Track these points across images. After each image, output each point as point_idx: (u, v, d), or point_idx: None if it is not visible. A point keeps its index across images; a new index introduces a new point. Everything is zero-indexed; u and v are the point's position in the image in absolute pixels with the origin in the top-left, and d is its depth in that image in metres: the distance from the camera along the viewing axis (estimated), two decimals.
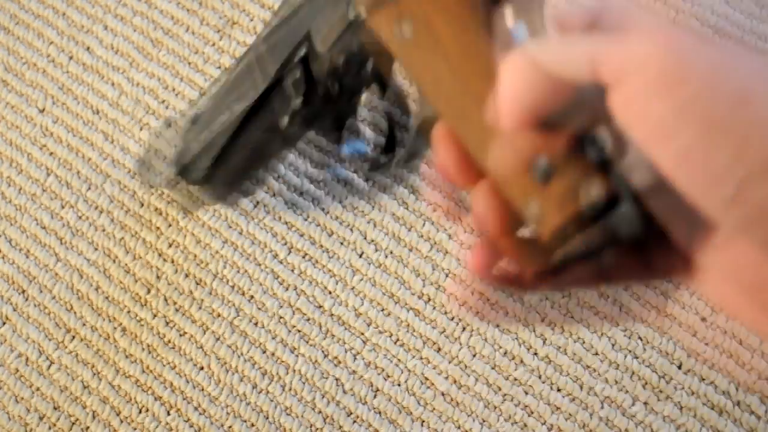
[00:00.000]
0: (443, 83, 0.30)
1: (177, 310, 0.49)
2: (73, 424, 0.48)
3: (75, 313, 0.50)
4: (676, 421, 0.45)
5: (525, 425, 0.45)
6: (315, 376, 0.47)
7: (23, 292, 0.51)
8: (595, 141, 0.26)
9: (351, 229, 0.50)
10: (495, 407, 0.46)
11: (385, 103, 0.51)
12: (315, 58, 0.46)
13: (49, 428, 0.48)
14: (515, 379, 0.46)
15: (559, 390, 0.46)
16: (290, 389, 0.47)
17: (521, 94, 0.27)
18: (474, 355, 0.47)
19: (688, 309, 0.47)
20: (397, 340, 0.47)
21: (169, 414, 0.47)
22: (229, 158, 0.48)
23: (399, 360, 0.47)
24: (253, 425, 0.47)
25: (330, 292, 0.49)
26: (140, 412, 0.48)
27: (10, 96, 0.55)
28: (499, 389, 0.46)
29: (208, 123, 0.48)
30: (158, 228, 0.51)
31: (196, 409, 0.47)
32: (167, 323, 0.49)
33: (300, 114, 0.47)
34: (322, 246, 0.49)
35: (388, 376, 0.47)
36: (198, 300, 0.49)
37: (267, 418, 0.47)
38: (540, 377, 0.46)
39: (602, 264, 0.28)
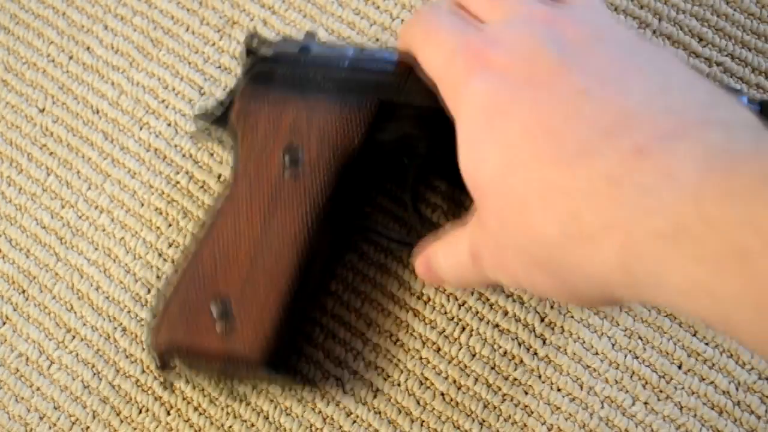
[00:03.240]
0: None
1: None
2: (73, 424, 0.48)
3: (75, 312, 0.50)
4: (676, 421, 0.45)
5: (525, 425, 0.45)
6: (315, 376, 0.47)
7: (23, 291, 0.51)
8: None
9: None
10: (495, 407, 0.46)
11: None
12: None
13: (49, 428, 0.48)
14: (515, 379, 0.46)
15: (559, 390, 0.46)
16: (290, 389, 0.47)
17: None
18: (474, 356, 0.47)
19: None
20: (397, 340, 0.48)
21: (169, 414, 0.47)
22: None
23: (399, 360, 0.47)
24: (253, 425, 0.47)
25: (331, 293, 0.49)
26: (140, 412, 0.48)
27: (10, 96, 0.55)
28: (499, 389, 0.46)
29: None
30: (158, 228, 0.51)
31: (196, 409, 0.47)
32: None
33: None
34: None
35: (388, 377, 0.47)
36: None
37: (267, 418, 0.47)
38: (540, 377, 0.46)
39: None
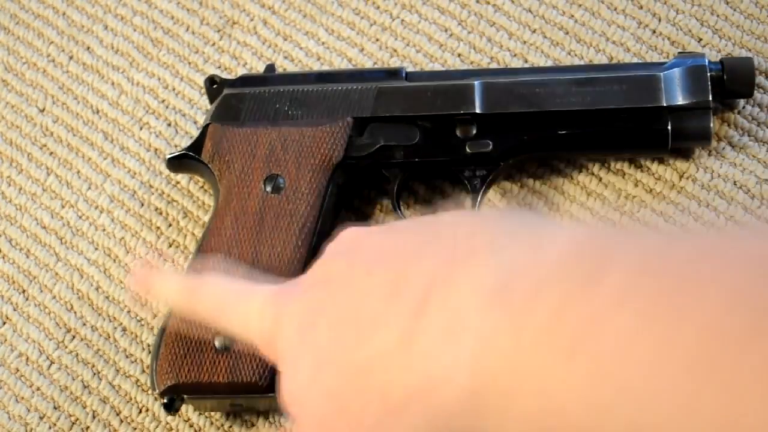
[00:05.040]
0: None
1: None
2: (73, 423, 0.48)
3: (75, 312, 0.50)
4: None
5: None
6: None
7: (23, 291, 0.51)
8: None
9: None
10: None
11: None
12: None
13: (49, 428, 0.48)
14: None
15: None
16: None
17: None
18: None
19: None
20: None
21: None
22: None
23: None
24: (253, 425, 0.47)
25: None
26: (140, 412, 0.48)
27: (10, 96, 0.55)
28: None
29: None
30: (158, 228, 0.51)
31: (196, 409, 0.47)
32: None
33: None
34: None
35: None
36: None
37: (267, 418, 0.47)
38: None
39: None
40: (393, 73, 0.48)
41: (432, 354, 0.27)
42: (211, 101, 0.49)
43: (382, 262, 0.31)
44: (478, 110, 0.46)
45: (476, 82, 0.47)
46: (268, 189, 0.45)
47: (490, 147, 0.46)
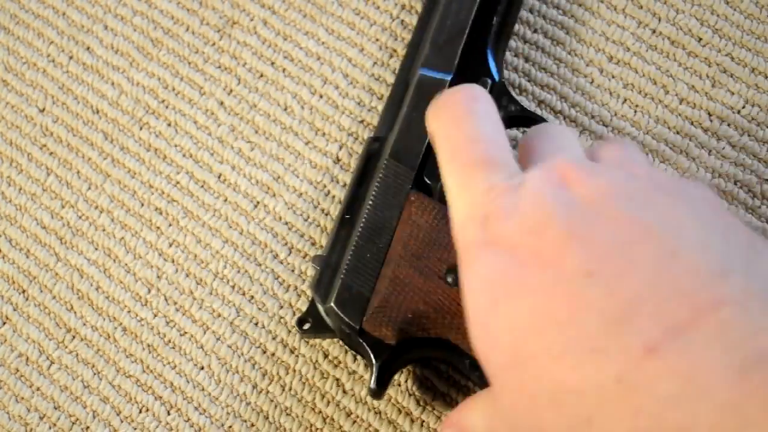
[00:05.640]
0: None
1: (177, 310, 0.49)
2: (74, 423, 0.48)
3: (75, 312, 0.50)
4: None
5: None
6: (315, 376, 0.47)
7: (23, 291, 0.51)
8: None
9: None
10: None
11: None
12: None
13: (50, 428, 0.48)
14: None
15: None
16: (290, 390, 0.47)
17: None
18: None
19: None
20: None
21: (169, 414, 0.47)
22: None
23: None
24: (253, 425, 0.47)
25: None
26: (140, 411, 0.48)
27: (10, 96, 0.55)
28: None
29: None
30: (159, 227, 0.51)
31: (196, 409, 0.47)
32: (168, 323, 0.49)
33: None
34: (322, 247, 0.50)
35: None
36: (198, 300, 0.49)
37: (267, 418, 0.47)
38: None
39: None
40: (376, 138, 0.47)
41: (657, 407, 0.25)
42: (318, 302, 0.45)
43: (609, 264, 0.28)
44: (450, 77, 0.46)
45: (420, 72, 0.47)
46: (451, 281, 0.41)
47: (491, 59, 0.47)
